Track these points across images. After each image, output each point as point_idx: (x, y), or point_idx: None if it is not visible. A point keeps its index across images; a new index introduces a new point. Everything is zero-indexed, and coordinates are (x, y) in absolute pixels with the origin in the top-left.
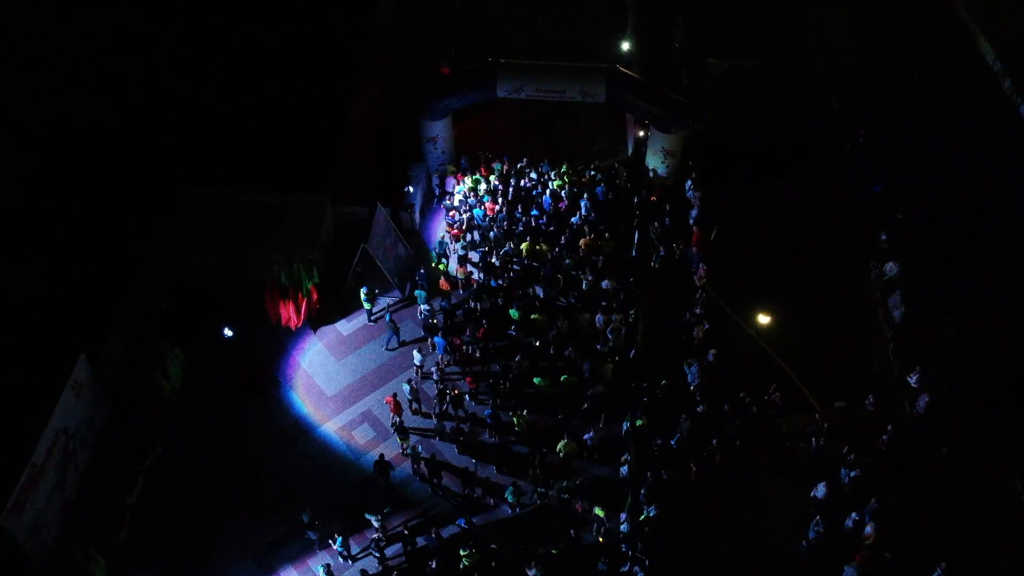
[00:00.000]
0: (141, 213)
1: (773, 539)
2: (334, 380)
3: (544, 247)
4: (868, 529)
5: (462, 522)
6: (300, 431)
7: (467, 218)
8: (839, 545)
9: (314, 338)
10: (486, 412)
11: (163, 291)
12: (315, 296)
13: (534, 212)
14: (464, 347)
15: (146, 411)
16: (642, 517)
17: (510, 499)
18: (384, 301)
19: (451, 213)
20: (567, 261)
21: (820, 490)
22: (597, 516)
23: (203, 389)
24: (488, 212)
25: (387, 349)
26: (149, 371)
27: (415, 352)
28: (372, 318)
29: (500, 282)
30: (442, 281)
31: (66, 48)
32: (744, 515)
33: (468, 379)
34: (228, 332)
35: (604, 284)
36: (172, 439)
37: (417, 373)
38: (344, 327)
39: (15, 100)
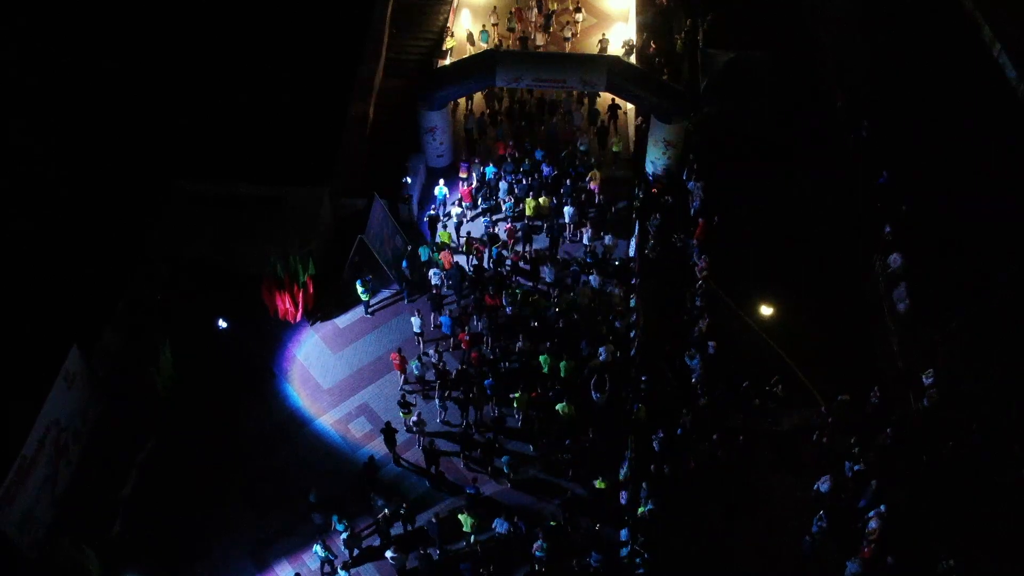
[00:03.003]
0: (136, 205)
1: (776, 534)
2: (330, 373)
3: (545, 201)
4: (873, 524)
5: (471, 489)
6: (296, 424)
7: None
8: (843, 540)
9: (310, 330)
10: (487, 383)
11: (157, 283)
12: (311, 288)
13: (539, 154)
14: (467, 330)
15: (140, 404)
16: (641, 510)
17: (505, 469)
18: (385, 294)
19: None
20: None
21: (824, 484)
22: (597, 487)
23: (197, 382)
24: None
25: (408, 301)
26: (143, 364)
27: (413, 318)
28: (369, 310)
29: (505, 252)
30: (444, 255)
31: (63, 41)
32: (747, 509)
33: (474, 354)
34: (222, 324)
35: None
36: (166, 432)
37: (417, 342)
38: (341, 319)
39: (9, 92)
